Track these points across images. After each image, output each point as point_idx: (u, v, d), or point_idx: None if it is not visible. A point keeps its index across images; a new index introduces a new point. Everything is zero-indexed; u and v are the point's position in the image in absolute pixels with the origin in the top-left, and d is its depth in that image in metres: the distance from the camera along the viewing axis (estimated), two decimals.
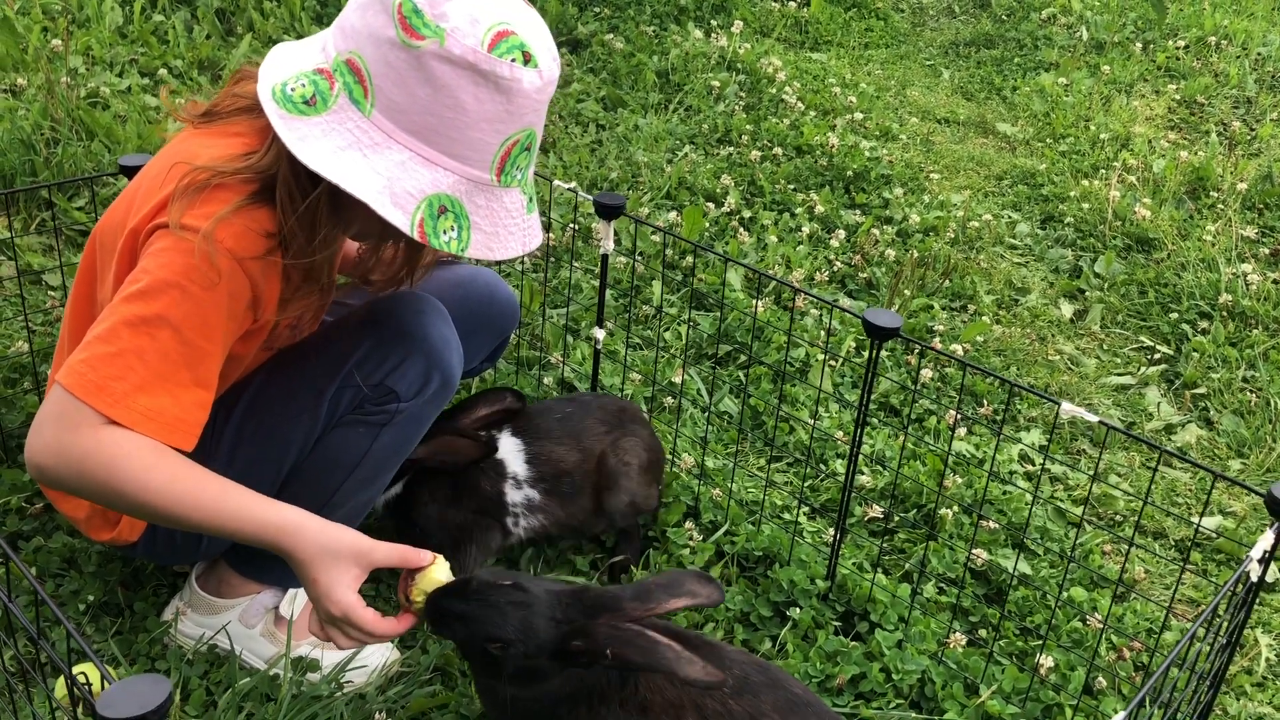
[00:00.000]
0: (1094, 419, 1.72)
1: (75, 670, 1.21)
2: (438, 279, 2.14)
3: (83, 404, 1.45)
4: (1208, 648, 1.53)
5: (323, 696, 1.84)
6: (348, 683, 1.90)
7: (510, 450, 2.14)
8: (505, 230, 1.55)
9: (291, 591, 1.97)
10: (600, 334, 2.37)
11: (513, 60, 1.45)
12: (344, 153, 1.45)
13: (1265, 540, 1.49)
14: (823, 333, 3.03)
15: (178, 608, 1.96)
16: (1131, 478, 2.74)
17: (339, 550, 1.51)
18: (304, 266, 1.60)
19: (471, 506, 2.10)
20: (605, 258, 2.27)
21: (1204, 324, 3.34)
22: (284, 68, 1.52)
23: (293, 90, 1.48)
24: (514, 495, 2.11)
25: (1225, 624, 1.59)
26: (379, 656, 1.94)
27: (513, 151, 1.52)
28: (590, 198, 2.22)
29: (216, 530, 1.52)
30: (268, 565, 1.92)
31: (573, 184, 2.45)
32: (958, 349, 3.03)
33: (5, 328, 2.65)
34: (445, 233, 1.49)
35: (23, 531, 2.10)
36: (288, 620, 1.94)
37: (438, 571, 1.56)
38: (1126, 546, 2.43)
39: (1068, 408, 1.74)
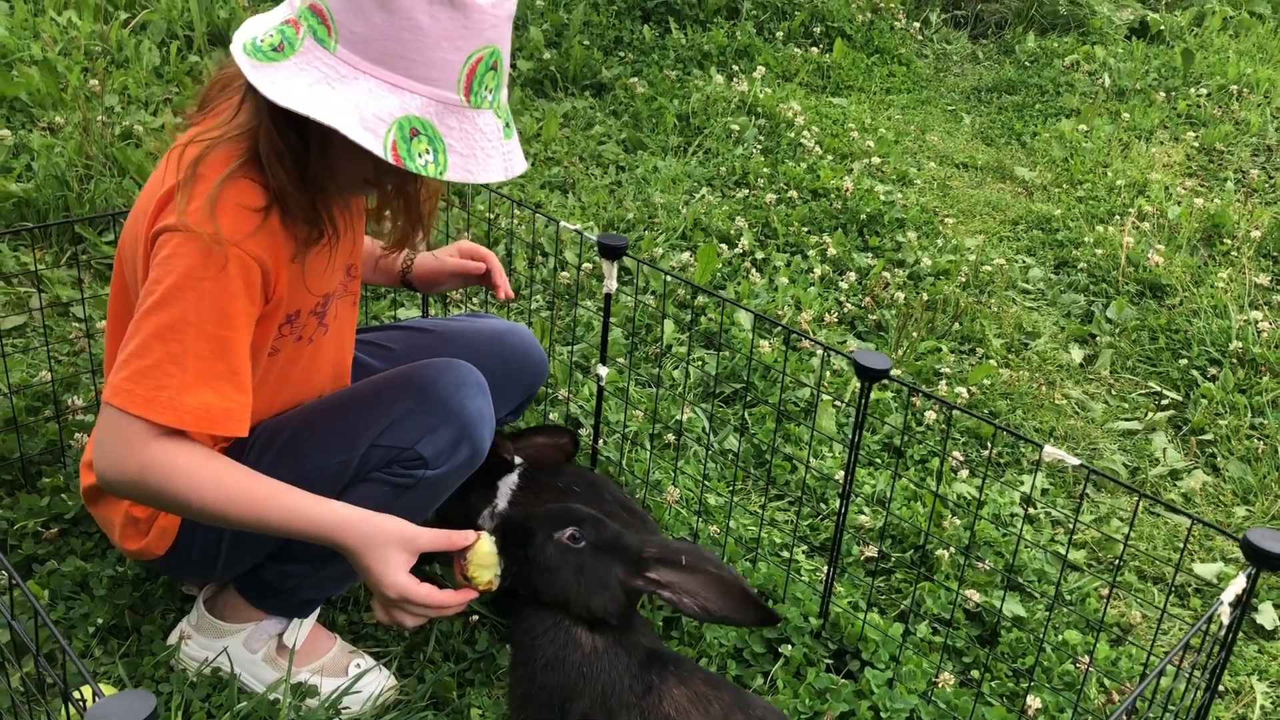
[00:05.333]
0: (1074, 462, 1.75)
1: (81, 691, 1.27)
2: (479, 330, 2.23)
3: (135, 418, 1.54)
4: (1182, 687, 1.55)
5: None
6: (345, 709, 1.95)
7: (507, 485, 2.19)
8: (483, 153, 1.56)
9: (295, 621, 2.03)
10: (604, 371, 2.42)
11: None
12: (314, 88, 1.49)
13: (1237, 584, 1.52)
14: (827, 373, 3.06)
15: (183, 630, 2.01)
16: (1134, 523, 2.75)
17: (386, 539, 1.61)
18: (304, 215, 1.65)
19: (448, 515, 2.15)
20: (609, 296, 2.32)
21: (1214, 370, 3.35)
22: (254, 28, 1.59)
23: (262, 41, 1.54)
24: (486, 525, 2.15)
25: (1204, 665, 1.61)
26: (376, 684, 1.99)
27: (478, 70, 1.53)
28: (594, 239, 2.28)
29: (270, 528, 1.62)
30: (273, 594, 1.97)
31: (578, 225, 2.51)
32: (963, 392, 3.05)
33: (32, 357, 2.73)
34: (420, 156, 1.51)
35: (38, 555, 2.17)
36: (290, 648, 1.99)
37: (486, 544, 1.64)
38: (1119, 591, 2.44)
39: (1049, 451, 1.77)
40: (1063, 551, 2.55)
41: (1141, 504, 2.81)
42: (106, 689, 1.31)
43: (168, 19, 4.85)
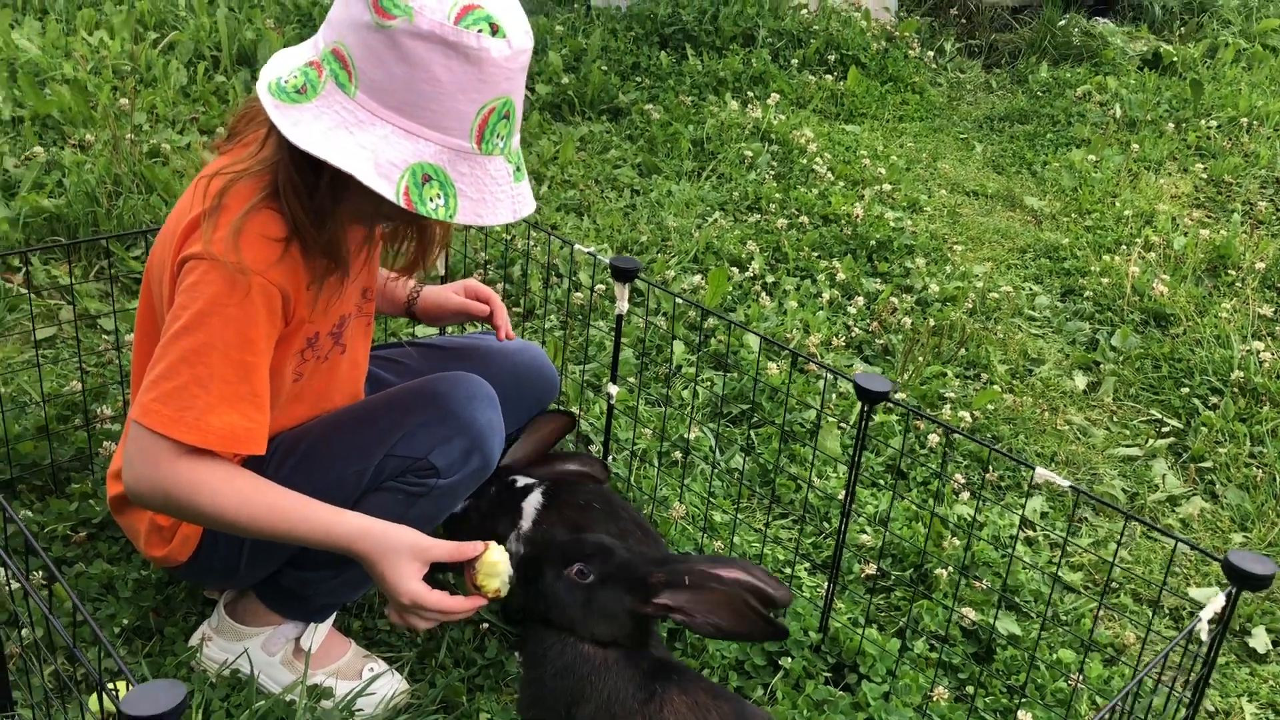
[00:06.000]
0: (1065, 484, 1.81)
1: (115, 685, 1.35)
2: (491, 348, 2.32)
3: (161, 437, 1.64)
4: (1161, 701, 1.61)
5: None
6: (358, 710, 2.02)
7: (531, 505, 2.27)
8: (493, 197, 1.65)
9: (312, 625, 2.10)
10: (614, 390, 2.49)
11: (479, 31, 1.55)
12: (333, 132, 1.58)
13: (1216, 602, 1.58)
14: (832, 396, 3.13)
15: (205, 632, 2.09)
16: (1132, 546, 2.81)
17: (399, 549, 1.70)
18: (320, 248, 1.73)
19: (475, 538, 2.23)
20: (620, 317, 2.40)
21: (1215, 399, 3.41)
22: (281, 66, 1.68)
23: (286, 82, 1.63)
24: (512, 545, 2.22)
25: (1187, 681, 1.67)
26: (388, 688, 2.06)
27: (490, 119, 1.61)
28: (607, 261, 2.36)
29: (291, 539, 1.72)
30: (291, 599, 2.06)
31: (592, 248, 2.60)
32: (966, 416, 3.12)
33: (62, 368, 2.83)
34: (432, 200, 1.60)
35: (66, 558, 2.25)
36: (306, 651, 2.07)
37: (494, 554, 1.73)
38: (1114, 613, 2.50)
39: (1041, 473, 1.84)
40: (1059, 572, 2.61)
41: (1139, 530, 2.86)
42: (124, 690, 1.40)
43: (196, 40, 4.97)
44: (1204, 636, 1.55)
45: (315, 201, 1.70)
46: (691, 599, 1.69)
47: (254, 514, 1.70)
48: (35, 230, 3.44)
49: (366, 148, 1.58)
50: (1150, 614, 2.57)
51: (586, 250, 2.42)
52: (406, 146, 1.59)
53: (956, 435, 3.08)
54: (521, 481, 2.30)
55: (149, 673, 2.02)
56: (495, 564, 1.72)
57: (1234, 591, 1.64)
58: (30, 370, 2.72)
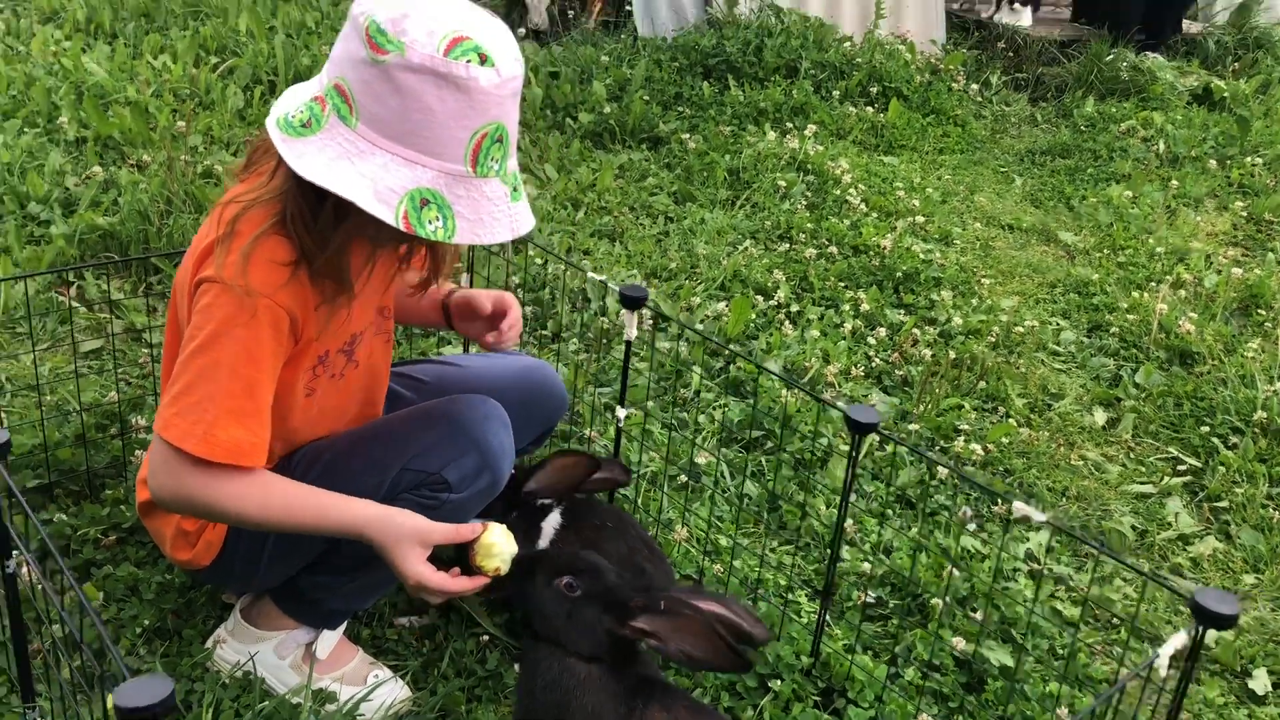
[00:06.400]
0: (1042, 518, 1.86)
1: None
2: (505, 366, 2.42)
3: (177, 449, 1.77)
4: None
5: None
6: (360, 715, 2.12)
7: (550, 526, 2.36)
8: (490, 217, 1.75)
9: (324, 631, 2.20)
10: (623, 413, 2.58)
11: (468, 61, 1.65)
12: (335, 162, 1.69)
13: (1177, 639, 1.62)
14: (830, 427, 3.18)
15: (220, 635, 2.20)
16: (1137, 585, 2.82)
17: (402, 535, 1.82)
18: (326, 271, 1.85)
19: None
20: (629, 344, 2.49)
21: (1235, 439, 3.41)
22: (289, 102, 1.79)
23: (293, 117, 1.74)
24: None
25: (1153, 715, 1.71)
26: (390, 694, 2.15)
27: (483, 144, 1.71)
28: (617, 288, 2.45)
29: (305, 530, 1.86)
30: (305, 604, 2.16)
31: (603, 276, 2.69)
32: (978, 449, 3.16)
33: (106, 379, 2.97)
34: (430, 222, 1.70)
35: (96, 560, 2.38)
36: (315, 657, 2.17)
37: (491, 535, 1.84)
38: (1112, 648, 2.52)
39: (1019, 507, 1.89)
40: (1060, 608, 2.64)
41: (1147, 565, 2.88)
42: None
43: (254, 65, 5.16)
44: (1163, 672, 1.59)
45: (320, 227, 1.81)
46: (665, 625, 1.76)
47: (272, 513, 1.84)
48: (90, 246, 3.61)
49: (367, 176, 1.69)
50: (1151, 651, 2.59)
51: (598, 278, 2.51)
52: (405, 173, 1.69)
53: (969, 468, 3.12)
54: (541, 501, 2.38)
55: (165, 672, 2.12)
56: (491, 545, 1.83)
57: (1199, 631, 1.68)
58: (75, 380, 2.86)
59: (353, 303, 1.97)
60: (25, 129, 4.28)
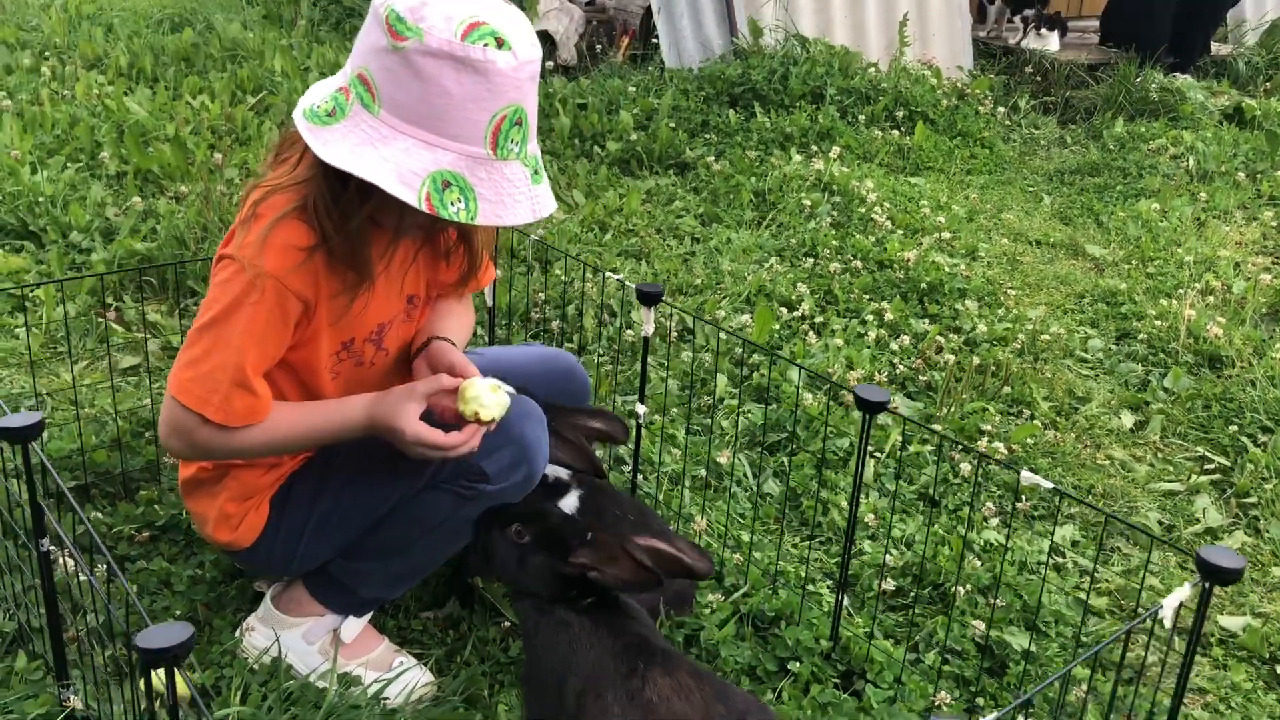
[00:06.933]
0: (1049, 485, 1.87)
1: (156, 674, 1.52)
2: (527, 354, 2.48)
3: (193, 412, 1.87)
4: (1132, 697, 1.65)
5: (361, 706, 2.09)
6: (385, 698, 2.15)
7: (569, 506, 2.37)
8: (510, 199, 1.80)
9: (352, 619, 2.25)
10: (642, 409, 2.62)
11: (485, 45, 1.71)
12: (359, 148, 1.76)
13: (1181, 592, 1.63)
14: (852, 428, 3.19)
15: (249, 623, 2.25)
16: (1164, 575, 2.81)
17: (396, 402, 1.93)
18: (346, 258, 1.91)
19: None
20: (646, 340, 2.53)
21: (1264, 438, 3.39)
22: (315, 94, 1.87)
23: (319, 108, 1.82)
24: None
25: (1161, 672, 1.71)
26: (414, 679, 2.19)
27: (503, 126, 1.77)
28: (634, 286, 2.50)
29: (318, 443, 2.03)
30: (337, 589, 2.21)
31: (621, 275, 2.74)
32: (1001, 448, 3.16)
33: (141, 392, 3.06)
34: (453, 204, 1.76)
35: (130, 555, 2.45)
36: (342, 642, 2.22)
37: (470, 385, 1.95)
38: (1136, 632, 2.51)
39: (1027, 476, 1.90)
40: (1084, 597, 2.63)
41: (1174, 560, 2.86)
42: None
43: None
44: (1167, 624, 1.60)
45: (342, 213, 1.88)
46: (597, 556, 1.86)
47: (275, 441, 1.97)
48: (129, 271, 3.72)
49: (389, 160, 1.75)
50: (1179, 640, 2.57)
51: (616, 277, 2.56)
52: (426, 156, 1.76)
53: (992, 466, 3.12)
54: (553, 475, 2.39)
55: (195, 659, 2.18)
56: (467, 388, 1.94)
57: (1206, 586, 1.68)
58: (111, 392, 2.95)
59: (375, 291, 2.03)
60: (68, 164, 4.42)
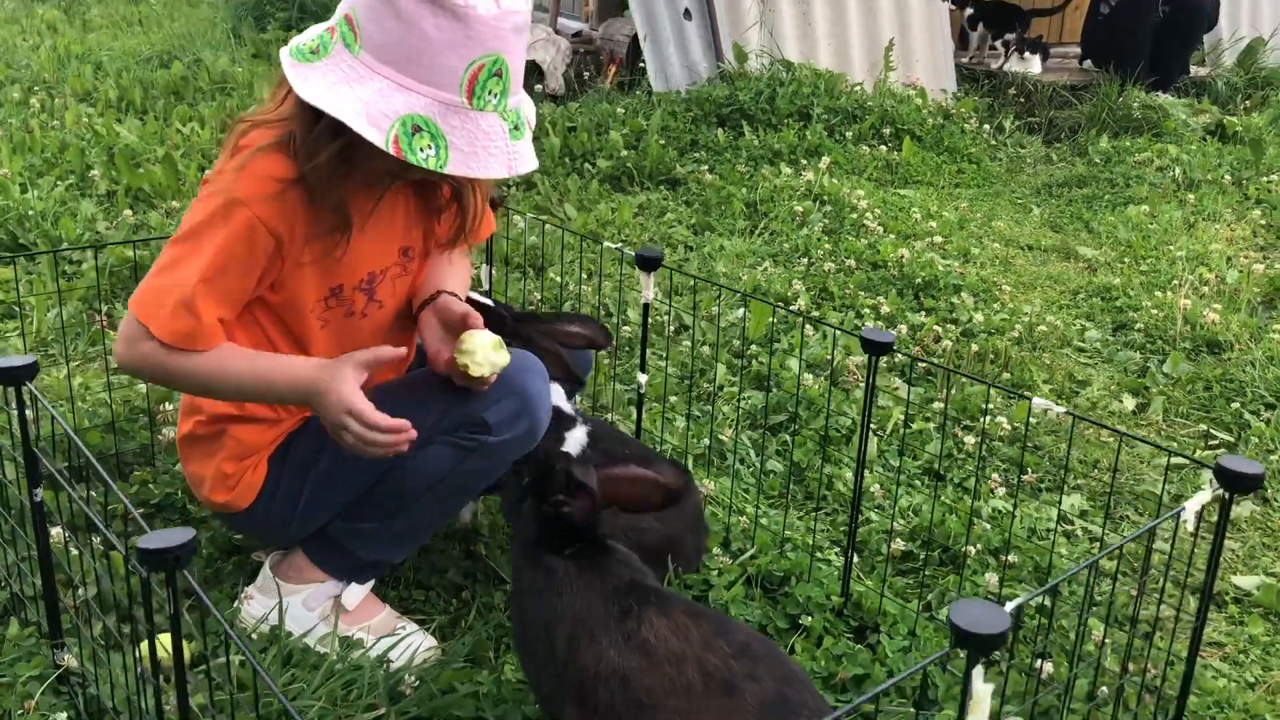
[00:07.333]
0: (1060, 410, 1.85)
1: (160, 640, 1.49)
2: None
3: (140, 323, 1.83)
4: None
5: (363, 668, 2.03)
6: (387, 661, 2.10)
7: (575, 442, 2.31)
8: (485, 151, 1.77)
9: (355, 586, 2.19)
10: (643, 378, 2.59)
11: None
12: (336, 87, 1.74)
13: (1202, 495, 1.60)
14: (853, 406, 3.17)
15: (247, 592, 2.20)
16: (1176, 544, 2.77)
17: (339, 363, 1.88)
18: (323, 198, 1.87)
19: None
20: (646, 306, 2.51)
21: (1267, 414, 3.37)
22: (306, 35, 1.86)
23: (303, 45, 1.81)
24: None
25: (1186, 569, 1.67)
26: (418, 641, 2.13)
27: (480, 75, 1.75)
28: (632, 253, 2.48)
29: (261, 392, 1.94)
30: (337, 552, 2.16)
31: (620, 244, 2.72)
32: (1004, 423, 3.14)
33: (137, 395, 3.02)
34: (422, 150, 1.73)
35: (124, 532, 2.39)
36: (344, 608, 2.16)
37: (476, 339, 1.94)
38: (1151, 592, 2.47)
39: (1039, 402, 1.88)
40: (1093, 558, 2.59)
41: (1186, 533, 2.83)
42: (164, 638, 1.54)
43: None
44: (1190, 527, 1.57)
45: (320, 152, 1.84)
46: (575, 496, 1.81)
47: (218, 377, 1.89)
48: (121, 279, 3.69)
49: (361, 99, 1.73)
50: (1192, 598, 2.53)
51: (614, 246, 2.54)
52: (399, 99, 1.74)
53: (996, 443, 3.09)
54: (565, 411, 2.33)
55: (191, 626, 2.12)
56: (465, 340, 1.94)
57: (1227, 496, 1.66)
58: (105, 374, 2.92)
59: (365, 238, 2.00)
60: (58, 183, 4.42)
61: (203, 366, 1.88)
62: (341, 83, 1.75)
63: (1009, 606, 1.27)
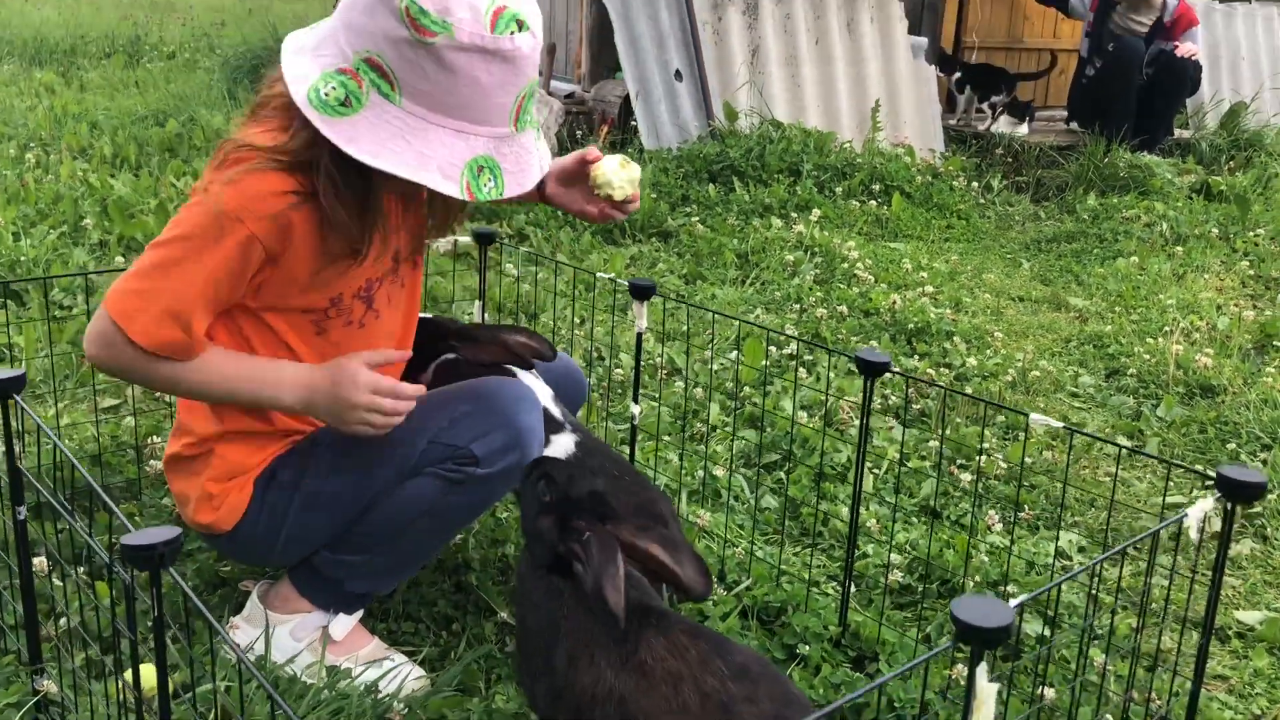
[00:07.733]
0: (1058, 425, 1.84)
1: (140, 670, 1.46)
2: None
3: (119, 327, 1.79)
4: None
5: (350, 696, 1.99)
6: (375, 689, 2.05)
7: (561, 447, 2.27)
8: (527, 165, 1.82)
9: (342, 617, 2.15)
10: (636, 409, 2.57)
11: (512, 32, 1.71)
12: (390, 143, 1.71)
13: (1204, 504, 1.58)
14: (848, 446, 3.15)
15: (234, 622, 2.16)
16: (1177, 582, 2.74)
17: (346, 363, 1.90)
18: (350, 239, 1.87)
19: None
20: (640, 335, 2.50)
21: (1264, 454, 3.35)
22: (307, 69, 1.76)
23: (326, 95, 1.73)
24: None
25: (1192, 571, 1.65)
26: (406, 671, 2.09)
27: (524, 103, 1.79)
28: (624, 282, 2.48)
29: (249, 390, 1.91)
30: (324, 584, 2.12)
31: (613, 275, 2.72)
32: (1001, 462, 3.11)
33: (126, 429, 2.99)
34: (485, 185, 1.77)
35: (110, 563, 2.35)
36: (331, 639, 2.12)
37: (604, 167, 2.02)
38: (1153, 624, 2.44)
39: (1036, 418, 1.86)
40: (1097, 594, 2.56)
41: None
42: (146, 669, 1.50)
43: None
44: (1193, 535, 1.55)
45: (348, 195, 1.83)
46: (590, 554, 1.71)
47: (201, 381, 1.88)
48: None
49: (427, 154, 1.73)
50: (1194, 633, 2.49)
51: (606, 276, 2.54)
52: (461, 146, 1.75)
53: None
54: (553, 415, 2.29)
55: (178, 658, 2.08)
56: (598, 173, 2.04)
57: (1230, 507, 1.64)
58: (94, 410, 2.89)
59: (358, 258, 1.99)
60: (50, 232, 4.42)
61: (193, 373, 1.86)
62: (396, 137, 1.72)
63: (1013, 603, 1.24)
